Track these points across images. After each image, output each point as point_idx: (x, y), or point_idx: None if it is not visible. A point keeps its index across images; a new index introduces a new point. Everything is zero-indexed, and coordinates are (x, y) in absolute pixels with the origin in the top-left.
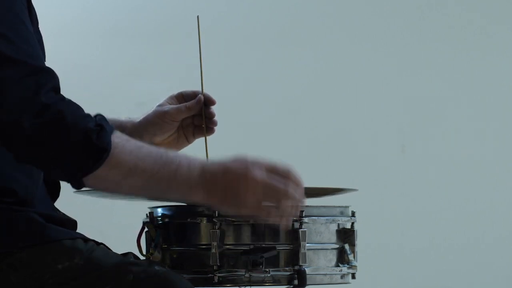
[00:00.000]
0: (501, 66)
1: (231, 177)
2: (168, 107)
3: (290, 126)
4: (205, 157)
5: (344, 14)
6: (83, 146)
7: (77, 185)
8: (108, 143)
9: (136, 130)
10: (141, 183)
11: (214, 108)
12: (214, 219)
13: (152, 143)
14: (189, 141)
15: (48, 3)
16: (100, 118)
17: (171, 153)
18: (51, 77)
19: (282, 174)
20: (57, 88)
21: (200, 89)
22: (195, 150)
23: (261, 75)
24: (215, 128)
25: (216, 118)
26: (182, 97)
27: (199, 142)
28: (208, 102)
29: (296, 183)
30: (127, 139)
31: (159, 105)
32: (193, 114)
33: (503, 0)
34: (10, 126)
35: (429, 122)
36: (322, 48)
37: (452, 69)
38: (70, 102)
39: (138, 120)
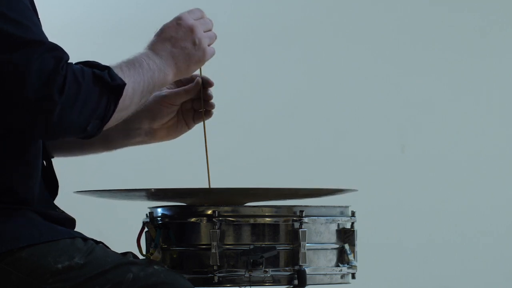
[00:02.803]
0: (501, 66)
1: (173, 33)
2: (166, 91)
3: (290, 126)
4: (204, 151)
5: (344, 15)
6: (104, 91)
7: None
8: (120, 78)
9: (135, 115)
10: (140, 95)
11: (211, 90)
12: (214, 219)
13: (151, 128)
14: (189, 127)
15: (49, 3)
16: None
17: (136, 59)
18: (64, 52)
19: (198, 14)
20: (68, 59)
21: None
22: (195, 145)
23: (261, 75)
24: (213, 111)
25: (213, 101)
26: (180, 81)
27: (198, 136)
28: (206, 84)
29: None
30: (120, 67)
31: None
32: (191, 97)
33: (502, 1)
34: (40, 102)
35: (429, 122)
36: (321, 48)
37: (452, 69)
38: (72, 65)
39: None
